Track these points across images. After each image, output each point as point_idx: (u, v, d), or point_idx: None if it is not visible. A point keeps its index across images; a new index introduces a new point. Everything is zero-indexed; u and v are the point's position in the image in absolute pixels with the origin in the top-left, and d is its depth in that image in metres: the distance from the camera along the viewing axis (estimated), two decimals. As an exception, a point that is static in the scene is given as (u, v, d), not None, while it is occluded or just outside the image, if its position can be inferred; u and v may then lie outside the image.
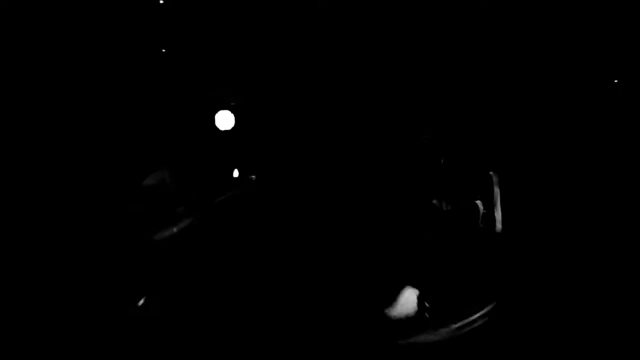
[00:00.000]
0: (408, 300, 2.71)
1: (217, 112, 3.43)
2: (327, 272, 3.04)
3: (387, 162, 3.35)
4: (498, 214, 2.90)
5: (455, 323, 2.63)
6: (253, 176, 3.44)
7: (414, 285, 2.76)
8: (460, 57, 3.48)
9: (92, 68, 3.29)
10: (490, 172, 2.94)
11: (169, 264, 3.02)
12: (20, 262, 2.93)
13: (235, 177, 3.46)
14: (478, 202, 2.91)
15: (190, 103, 3.43)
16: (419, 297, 2.70)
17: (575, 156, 3.39)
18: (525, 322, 2.73)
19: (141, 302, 2.80)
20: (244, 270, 3.06)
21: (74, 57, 3.27)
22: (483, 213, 2.90)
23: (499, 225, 2.90)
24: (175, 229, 3.03)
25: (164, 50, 3.35)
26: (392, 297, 2.70)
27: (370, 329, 2.69)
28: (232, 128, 3.46)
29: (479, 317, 2.65)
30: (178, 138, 3.38)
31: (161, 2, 3.25)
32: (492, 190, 2.91)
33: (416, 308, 2.69)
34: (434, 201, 3.02)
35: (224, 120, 3.44)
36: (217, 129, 3.44)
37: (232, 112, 3.45)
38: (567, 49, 3.43)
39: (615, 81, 3.38)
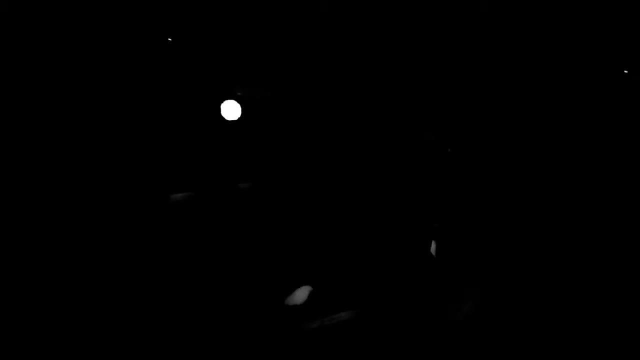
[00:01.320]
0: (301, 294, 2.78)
1: (223, 102, 3.40)
2: (331, 269, 3.01)
3: (393, 158, 3.34)
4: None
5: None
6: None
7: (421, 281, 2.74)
8: (463, 56, 3.48)
9: (96, 57, 3.26)
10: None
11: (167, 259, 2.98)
12: (20, 261, 2.88)
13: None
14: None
15: (196, 93, 3.39)
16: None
17: (578, 155, 3.38)
18: (524, 321, 2.71)
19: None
20: (246, 267, 3.03)
21: (77, 46, 3.24)
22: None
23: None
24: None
25: (170, 39, 3.32)
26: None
27: (371, 329, 2.67)
28: (239, 118, 3.43)
29: None
30: (184, 128, 3.35)
31: (168, -10, 3.23)
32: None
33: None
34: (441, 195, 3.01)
35: (231, 110, 3.40)
36: (224, 119, 3.41)
37: (238, 102, 3.42)
38: (569, 48, 3.44)
39: (626, 71, 3.38)
